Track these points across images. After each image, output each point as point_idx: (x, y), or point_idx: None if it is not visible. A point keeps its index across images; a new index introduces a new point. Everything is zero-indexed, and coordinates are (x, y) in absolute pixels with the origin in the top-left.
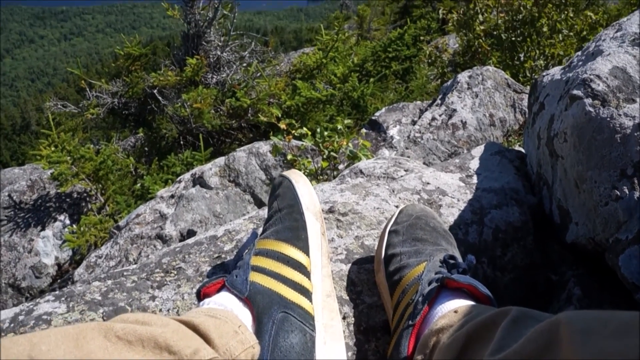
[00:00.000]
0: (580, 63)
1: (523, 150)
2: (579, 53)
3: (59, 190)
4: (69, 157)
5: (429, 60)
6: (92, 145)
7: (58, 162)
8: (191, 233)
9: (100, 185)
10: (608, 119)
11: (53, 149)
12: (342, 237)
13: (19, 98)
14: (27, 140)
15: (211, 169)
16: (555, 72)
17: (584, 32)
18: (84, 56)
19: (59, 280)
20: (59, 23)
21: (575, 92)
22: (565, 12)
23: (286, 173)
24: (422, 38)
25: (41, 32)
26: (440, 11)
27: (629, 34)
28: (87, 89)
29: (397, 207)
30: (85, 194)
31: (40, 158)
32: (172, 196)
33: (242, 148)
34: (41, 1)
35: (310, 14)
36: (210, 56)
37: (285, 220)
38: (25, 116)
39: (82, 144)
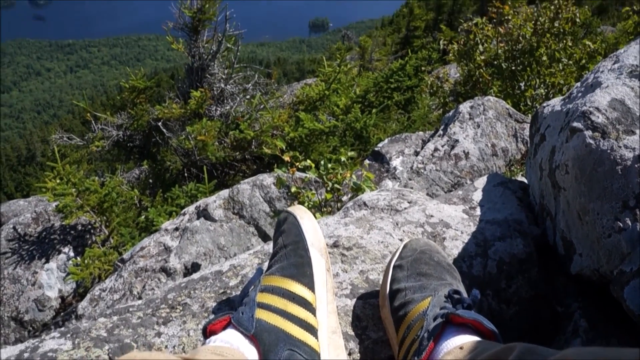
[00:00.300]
0: (580, 94)
1: (526, 181)
2: (578, 84)
3: (63, 223)
4: (74, 189)
5: (431, 90)
6: (96, 178)
7: (63, 194)
8: (195, 266)
9: (104, 218)
10: (608, 151)
11: (58, 181)
12: (346, 272)
13: (24, 129)
14: (32, 172)
15: (215, 202)
16: (556, 103)
17: (583, 61)
18: (90, 88)
19: (62, 314)
20: (66, 56)
21: (575, 124)
22: (564, 42)
23: (291, 209)
24: (423, 68)
25: (48, 64)
26: (441, 42)
27: (627, 66)
28: (93, 122)
29: (401, 240)
30: (89, 226)
31: (46, 190)
32: (177, 229)
33: (246, 180)
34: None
35: (313, 45)
36: (214, 89)
37: (291, 256)
38: (30, 147)
39: (87, 176)
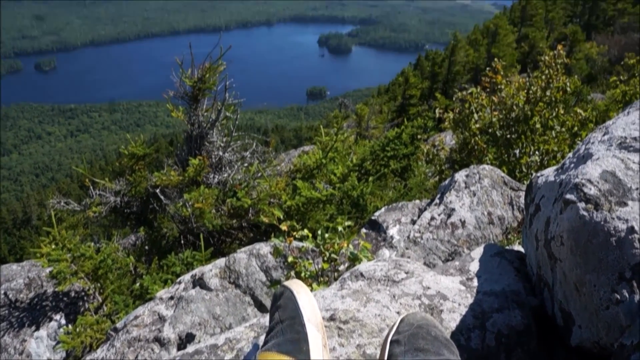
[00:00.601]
0: (572, 165)
1: (523, 250)
2: (570, 155)
3: (56, 289)
4: (69, 255)
5: (427, 158)
6: (92, 243)
7: (58, 260)
8: (190, 337)
9: (98, 284)
10: (602, 223)
11: (53, 246)
12: (343, 346)
13: (22, 192)
14: (27, 235)
15: (211, 270)
16: (549, 173)
17: (575, 128)
18: (89, 152)
19: None
20: (67, 120)
21: (568, 196)
22: (556, 110)
23: (287, 283)
24: (419, 136)
25: (49, 128)
26: (436, 110)
27: (616, 138)
28: (91, 187)
29: (398, 313)
30: (83, 293)
31: (40, 256)
32: (172, 297)
33: (242, 249)
34: (52, 99)
35: (310, 113)
36: (213, 156)
37: (287, 332)
38: (27, 210)
39: (82, 241)
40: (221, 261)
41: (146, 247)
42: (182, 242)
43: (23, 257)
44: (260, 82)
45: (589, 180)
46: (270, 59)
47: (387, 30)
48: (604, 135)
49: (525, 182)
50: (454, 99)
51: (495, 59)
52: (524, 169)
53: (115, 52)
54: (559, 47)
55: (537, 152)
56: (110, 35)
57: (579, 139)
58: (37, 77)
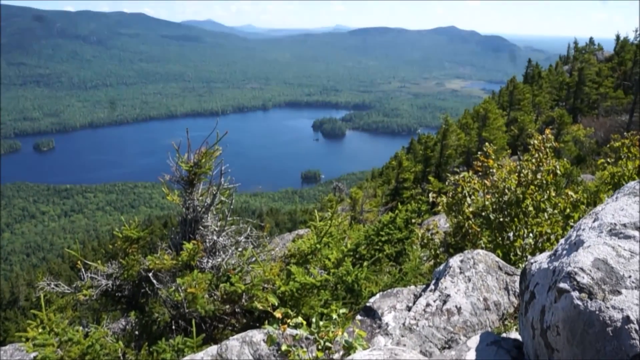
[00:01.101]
0: (565, 252)
1: (520, 337)
2: (563, 241)
3: None
4: (55, 340)
5: (422, 242)
6: (80, 327)
7: (44, 345)
8: None
9: None
10: (597, 312)
11: (40, 330)
12: None
13: (11, 272)
14: (12, 316)
15: (203, 359)
16: (542, 260)
17: (568, 210)
18: (82, 232)
19: None
20: (62, 200)
21: (562, 285)
22: (548, 192)
23: None
24: (413, 220)
25: (43, 208)
26: (430, 195)
27: (606, 224)
28: (83, 270)
29: None
30: None
31: (26, 340)
32: None
33: (235, 336)
34: (48, 179)
35: (305, 196)
36: (207, 241)
37: None
38: (14, 291)
39: (71, 324)
40: (213, 349)
41: (136, 332)
42: (174, 327)
43: (7, 339)
44: (255, 165)
45: (582, 269)
46: (265, 142)
47: (380, 114)
48: (594, 221)
49: (520, 265)
50: (446, 182)
51: (487, 143)
52: (519, 252)
53: (113, 134)
54: (547, 131)
55: (530, 235)
56: (108, 118)
57: (572, 220)
58: (34, 157)
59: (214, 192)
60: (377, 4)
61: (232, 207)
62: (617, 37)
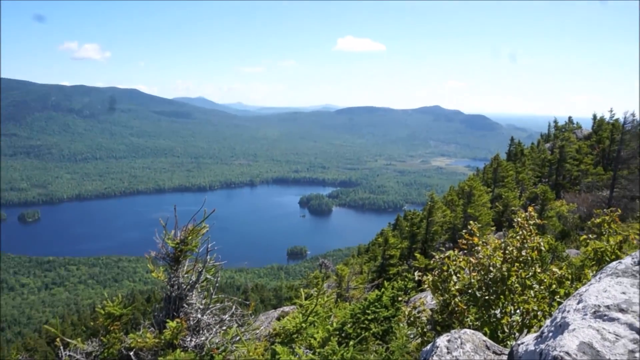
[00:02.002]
0: (551, 334)
1: None
2: (548, 323)
3: None
4: None
5: (408, 320)
6: None
7: None
8: None
9: None
10: None
11: None
12: None
13: None
14: None
15: None
16: (529, 341)
17: (553, 286)
18: (62, 306)
19: None
20: (44, 272)
21: None
22: (533, 269)
23: None
24: (400, 298)
25: (23, 280)
26: (415, 273)
27: (590, 306)
28: (61, 348)
29: None
30: None
31: None
32: None
33: None
34: (31, 251)
35: (290, 272)
36: (191, 319)
37: None
38: None
39: None
40: None
41: None
42: None
43: None
44: (242, 241)
45: (567, 353)
46: (252, 218)
47: (367, 191)
48: (578, 303)
49: (508, 343)
50: (432, 260)
51: (471, 221)
52: (506, 329)
53: (100, 207)
54: (530, 208)
55: (517, 312)
56: (96, 190)
57: (558, 296)
58: (19, 228)
59: (200, 270)
60: (364, 85)
61: (217, 284)
62: (594, 116)
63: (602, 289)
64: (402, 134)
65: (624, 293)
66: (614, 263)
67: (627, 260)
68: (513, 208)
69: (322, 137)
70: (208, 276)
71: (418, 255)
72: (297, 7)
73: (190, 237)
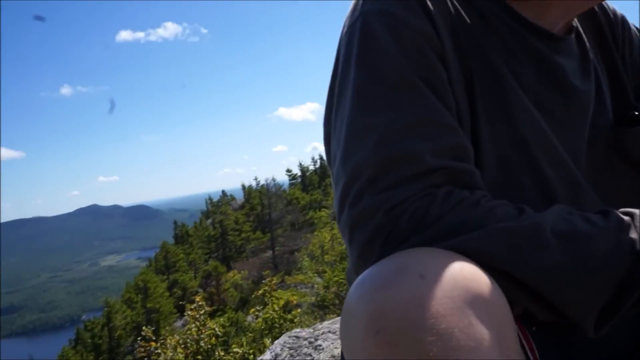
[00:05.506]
0: None
1: None
2: None
3: None
4: None
5: None
6: None
7: None
8: None
9: None
10: None
11: None
12: None
13: None
14: None
15: None
16: None
17: None
18: None
19: None
20: None
21: None
22: (216, 353)
23: None
24: None
25: None
26: None
27: None
28: None
29: None
30: None
31: None
32: None
33: None
34: None
35: None
36: None
37: None
38: None
39: None
40: None
41: None
42: None
43: None
44: None
45: None
46: None
47: (36, 312)
48: None
49: None
50: None
51: (144, 327)
52: None
53: None
54: (197, 298)
55: None
56: None
57: None
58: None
59: None
60: (7, 197)
61: None
62: (243, 186)
63: None
64: (62, 241)
65: None
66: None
67: (267, 356)
68: (192, 289)
69: None
70: None
71: None
72: None
73: None
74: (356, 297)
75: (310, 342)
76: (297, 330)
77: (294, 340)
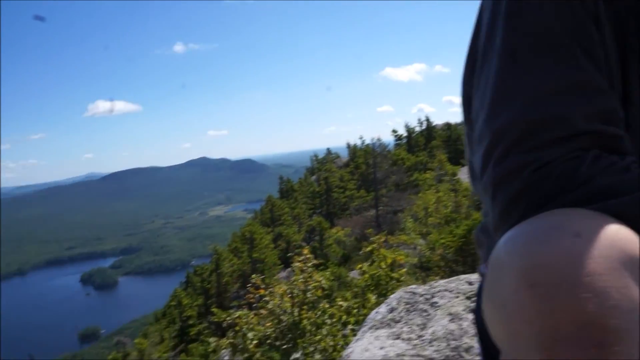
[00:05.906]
0: None
1: None
2: None
3: None
4: None
5: None
6: None
7: None
8: None
9: None
10: None
11: None
12: None
13: None
14: None
15: None
16: None
17: (343, 317)
18: None
19: None
20: None
21: None
22: (321, 306)
23: None
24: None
25: None
26: (210, 340)
27: None
28: None
29: None
30: None
31: None
32: None
33: None
34: None
35: (87, 357)
36: None
37: None
38: None
39: None
40: None
41: None
42: None
43: None
44: (21, 336)
45: None
46: (28, 310)
47: (151, 254)
48: None
49: None
50: (224, 325)
51: (253, 275)
52: None
53: None
54: (305, 250)
55: (317, 351)
56: None
57: (350, 324)
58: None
59: None
60: (127, 147)
61: None
62: (348, 144)
63: (364, 348)
64: (174, 190)
65: (382, 348)
66: (373, 314)
67: (383, 309)
68: (295, 243)
69: (91, 208)
70: None
71: (215, 310)
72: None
73: None
74: (509, 251)
75: (426, 299)
76: (413, 286)
77: (410, 295)
